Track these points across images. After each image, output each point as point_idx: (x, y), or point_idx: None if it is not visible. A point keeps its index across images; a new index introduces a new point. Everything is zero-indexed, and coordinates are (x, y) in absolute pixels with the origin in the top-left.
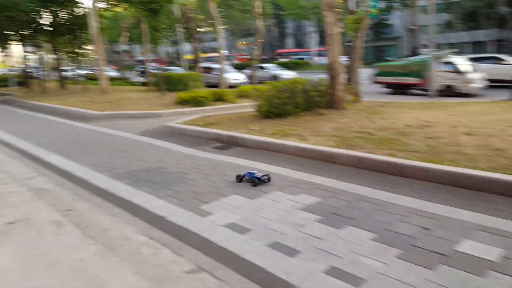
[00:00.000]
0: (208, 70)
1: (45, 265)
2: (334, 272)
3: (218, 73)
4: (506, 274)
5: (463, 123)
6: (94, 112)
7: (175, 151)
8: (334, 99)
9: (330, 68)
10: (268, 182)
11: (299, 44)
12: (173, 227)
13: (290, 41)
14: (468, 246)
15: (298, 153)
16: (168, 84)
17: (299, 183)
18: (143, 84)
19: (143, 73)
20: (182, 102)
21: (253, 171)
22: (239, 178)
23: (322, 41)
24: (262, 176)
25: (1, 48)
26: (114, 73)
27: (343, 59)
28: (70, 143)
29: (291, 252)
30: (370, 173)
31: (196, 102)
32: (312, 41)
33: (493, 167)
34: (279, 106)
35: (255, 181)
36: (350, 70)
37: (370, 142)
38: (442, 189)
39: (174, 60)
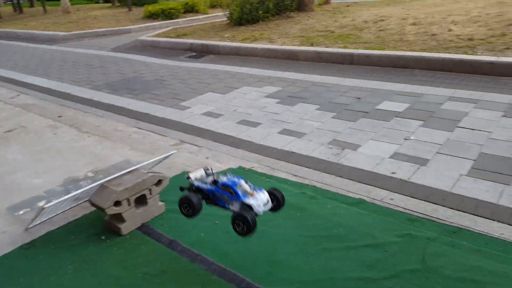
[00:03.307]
0: None
1: (54, 153)
2: (284, 132)
3: None
4: (404, 118)
5: (413, 15)
6: (62, 33)
7: (150, 63)
8: (303, 2)
9: None
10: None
11: None
12: (157, 119)
13: None
14: (386, 105)
15: (266, 54)
16: None
17: (265, 78)
18: (107, 1)
19: None
20: (152, 16)
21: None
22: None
23: None
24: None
25: None
26: None
27: None
28: (44, 65)
29: (254, 124)
30: (326, 64)
31: (167, 15)
32: None
33: (424, 48)
34: (250, 12)
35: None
36: None
37: (329, 39)
38: (380, 70)
39: None
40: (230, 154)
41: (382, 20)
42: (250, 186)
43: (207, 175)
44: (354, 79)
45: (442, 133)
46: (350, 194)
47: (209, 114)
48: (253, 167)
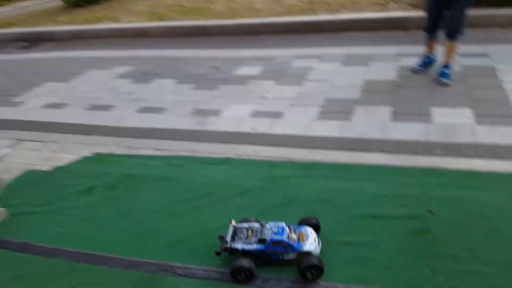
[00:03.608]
0: None
1: None
2: (143, 110)
3: None
4: (259, 80)
5: None
6: None
7: None
8: None
9: None
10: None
11: None
12: None
13: None
14: (242, 71)
15: (113, 34)
16: None
17: (114, 59)
18: None
19: None
20: None
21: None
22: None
23: None
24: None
25: None
26: None
27: None
28: None
29: (107, 108)
30: (180, 39)
31: None
32: None
33: (271, 14)
34: None
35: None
36: None
37: (181, 13)
38: (233, 39)
39: None
40: (82, 142)
41: None
42: (292, 228)
43: (240, 230)
44: (210, 50)
45: (293, 88)
46: (218, 155)
47: (50, 105)
48: (111, 151)
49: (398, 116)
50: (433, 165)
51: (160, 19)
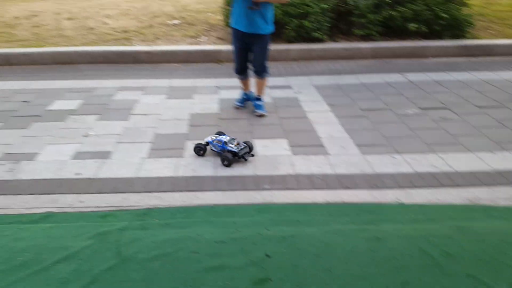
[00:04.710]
0: None
1: None
2: None
3: None
4: (79, 115)
5: (66, 10)
6: None
7: None
8: None
9: None
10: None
11: None
12: None
13: None
14: (58, 105)
15: None
16: None
17: None
18: None
19: None
20: None
21: (223, 138)
22: (200, 149)
23: None
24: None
25: None
26: None
27: None
28: None
29: None
30: None
31: None
32: None
33: (85, 43)
34: None
35: (226, 157)
36: None
37: None
38: (44, 69)
39: None
40: None
41: (35, 15)
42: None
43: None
44: (16, 81)
45: (119, 123)
46: (35, 210)
47: None
48: None
49: None
50: (264, 200)
51: None
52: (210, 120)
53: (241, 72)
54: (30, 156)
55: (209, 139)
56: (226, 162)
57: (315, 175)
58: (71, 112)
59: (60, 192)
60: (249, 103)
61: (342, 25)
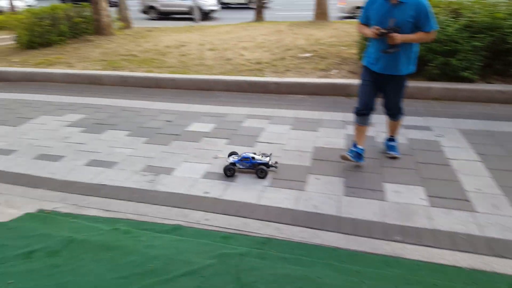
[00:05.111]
0: None
1: None
2: (93, 163)
3: None
4: (212, 137)
5: (209, 41)
6: None
7: None
8: (101, 25)
9: None
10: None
11: None
12: None
13: None
14: (195, 127)
15: (66, 79)
16: None
17: (66, 105)
18: None
19: None
20: None
21: (247, 154)
22: (230, 170)
23: None
24: (262, 157)
25: None
26: None
27: None
28: None
29: (55, 158)
30: (132, 89)
31: None
32: None
33: (222, 72)
34: (42, 35)
35: (262, 169)
36: None
37: (134, 63)
38: (186, 93)
39: None
40: (27, 196)
41: (183, 45)
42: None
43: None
44: (163, 103)
45: (245, 149)
46: (167, 221)
47: None
48: (56, 208)
49: (351, 190)
50: (393, 253)
51: (113, 67)
52: (334, 156)
53: (363, 114)
54: (168, 171)
55: (231, 159)
56: (263, 174)
57: (457, 233)
58: (205, 134)
59: (190, 207)
60: (361, 161)
61: (498, 65)
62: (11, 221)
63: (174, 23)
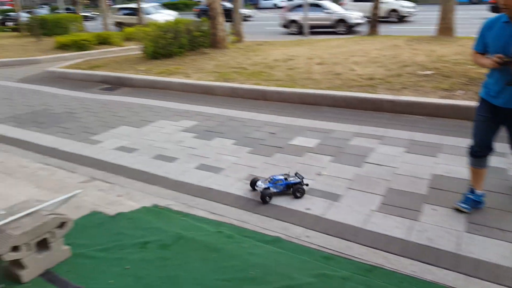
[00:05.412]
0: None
1: None
2: (202, 167)
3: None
4: (316, 153)
5: (318, 55)
6: None
7: (60, 95)
8: (216, 39)
9: (210, 9)
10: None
11: None
12: (65, 154)
13: None
14: (298, 141)
15: (183, 88)
16: (44, 28)
17: (182, 112)
18: (14, 29)
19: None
20: (63, 47)
21: (276, 176)
22: (269, 196)
23: None
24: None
25: None
26: None
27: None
28: None
29: (170, 159)
30: (241, 100)
31: (79, 46)
32: None
33: (330, 87)
34: (164, 47)
35: (302, 188)
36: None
37: (243, 75)
38: (291, 107)
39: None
40: (145, 191)
41: (291, 59)
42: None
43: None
44: (268, 115)
45: (351, 168)
46: (267, 232)
47: (122, 148)
48: (168, 204)
49: (473, 226)
50: None
51: (224, 79)
52: (456, 186)
53: (480, 155)
54: None
55: (264, 185)
56: (300, 194)
57: None
58: (309, 149)
59: (291, 222)
60: (479, 207)
61: None
62: (130, 212)
63: (282, 37)
